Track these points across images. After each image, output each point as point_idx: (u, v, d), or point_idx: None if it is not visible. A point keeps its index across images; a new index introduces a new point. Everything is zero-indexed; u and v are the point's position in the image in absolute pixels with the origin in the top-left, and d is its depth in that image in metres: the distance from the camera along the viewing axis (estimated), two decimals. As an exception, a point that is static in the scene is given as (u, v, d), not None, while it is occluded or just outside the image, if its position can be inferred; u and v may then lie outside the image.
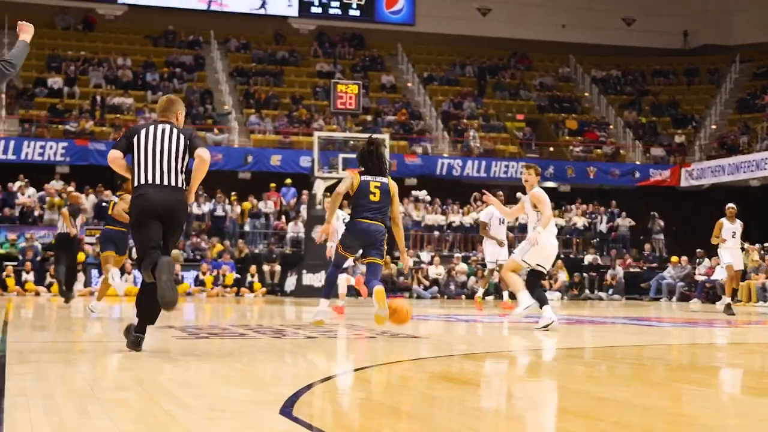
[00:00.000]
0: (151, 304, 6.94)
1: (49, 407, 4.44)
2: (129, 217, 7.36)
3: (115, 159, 7.10)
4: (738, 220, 16.33)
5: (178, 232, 7.21)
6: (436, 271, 25.98)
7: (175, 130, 7.10)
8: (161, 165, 6.97)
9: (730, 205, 16.36)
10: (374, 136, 11.84)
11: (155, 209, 6.93)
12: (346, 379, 5.65)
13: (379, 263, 9.81)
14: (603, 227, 29.75)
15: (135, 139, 7.05)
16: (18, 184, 25.91)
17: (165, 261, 6.72)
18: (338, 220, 14.36)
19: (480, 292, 16.56)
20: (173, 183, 6.99)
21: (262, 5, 37.23)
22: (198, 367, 6.46)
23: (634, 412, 4.60)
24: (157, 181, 6.95)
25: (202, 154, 6.99)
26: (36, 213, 25.34)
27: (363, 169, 9.99)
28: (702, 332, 12.00)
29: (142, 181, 6.99)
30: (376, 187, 9.84)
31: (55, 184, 26.06)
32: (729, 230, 16.22)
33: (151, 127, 7.11)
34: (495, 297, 22.66)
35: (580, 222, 29.33)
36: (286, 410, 4.35)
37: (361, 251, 10.24)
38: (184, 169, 7.08)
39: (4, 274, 22.31)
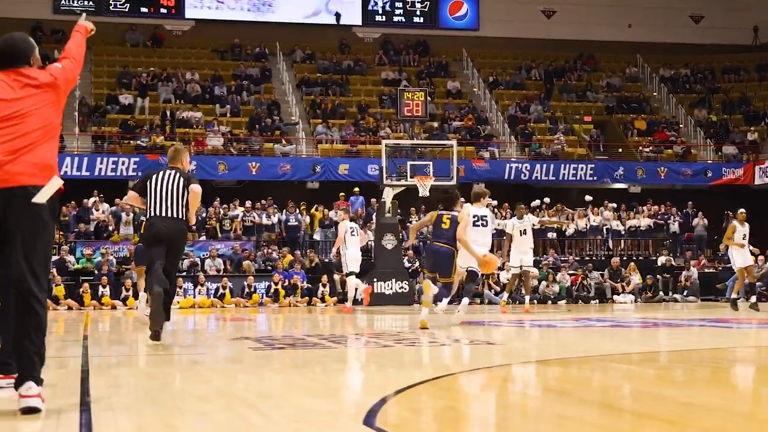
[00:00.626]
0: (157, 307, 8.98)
1: (135, 421, 4.51)
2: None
3: (133, 198, 9.56)
4: (746, 224, 18.03)
5: (179, 252, 9.53)
6: (507, 276, 25.73)
7: (178, 174, 9.26)
8: (167, 201, 9.11)
9: (742, 210, 18.35)
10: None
11: (161, 235, 9.09)
12: (426, 388, 5.61)
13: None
14: (675, 227, 29.25)
15: (148, 182, 9.24)
16: (92, 200, 26.35)
17: (156, 292, 8.84)
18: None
19: (504, 296, 18.96)
20: (176, 215, 9.12)
21: (314, 13, 37.43)
22: (273, 377, 6.50)
23: (720, 417, 4.51)
24: (164, 214, 9.10)
25: (194, 188, 9.17)
26: (110, 228, 25.74)
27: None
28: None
29: (154, 213, 9.16)
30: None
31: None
32: (740, 233, 17.88)
33: (161, 173, 9.28)
34: (534, 300, 23.40)
35: (645, 223, 28.82)
36: (370, 420, 4.32)
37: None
38: (184, 204, 9.14)
39: (81, 289, 22.66)
